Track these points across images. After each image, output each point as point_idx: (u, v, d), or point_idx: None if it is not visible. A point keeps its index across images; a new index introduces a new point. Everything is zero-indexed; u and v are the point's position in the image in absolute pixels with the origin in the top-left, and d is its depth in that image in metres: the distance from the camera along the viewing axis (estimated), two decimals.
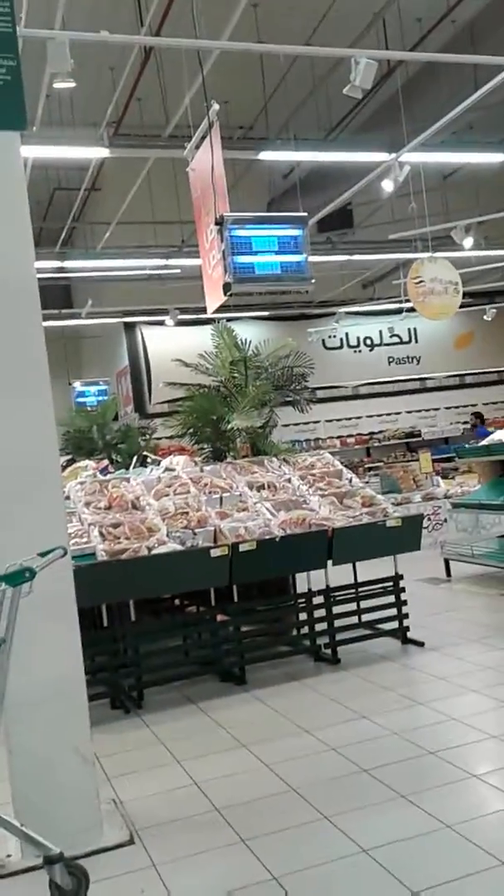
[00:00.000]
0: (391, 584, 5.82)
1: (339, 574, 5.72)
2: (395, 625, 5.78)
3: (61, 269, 13.05)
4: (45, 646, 3.22)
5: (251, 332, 9.07)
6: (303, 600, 5.74)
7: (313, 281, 5.68)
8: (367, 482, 9.21)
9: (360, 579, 5.88)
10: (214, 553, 5.07)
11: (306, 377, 7.78)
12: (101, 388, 15.72)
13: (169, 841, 3.20)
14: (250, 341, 7.69)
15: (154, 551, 5.02)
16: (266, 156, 9.45)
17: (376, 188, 9.09)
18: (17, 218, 3.33)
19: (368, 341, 17.31)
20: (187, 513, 5.50)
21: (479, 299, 15.26)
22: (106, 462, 8.42)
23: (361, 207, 14.13)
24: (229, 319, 9.06)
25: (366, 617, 5.80)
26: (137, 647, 5.13)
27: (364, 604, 5.80)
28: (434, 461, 11.90)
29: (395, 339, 17.26)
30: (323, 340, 16.25)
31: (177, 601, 6.44)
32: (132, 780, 3.88)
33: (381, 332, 17.11)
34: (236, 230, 5.37)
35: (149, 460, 7.87)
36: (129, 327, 15.75)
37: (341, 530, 5.44)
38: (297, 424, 14.49)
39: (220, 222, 5.37)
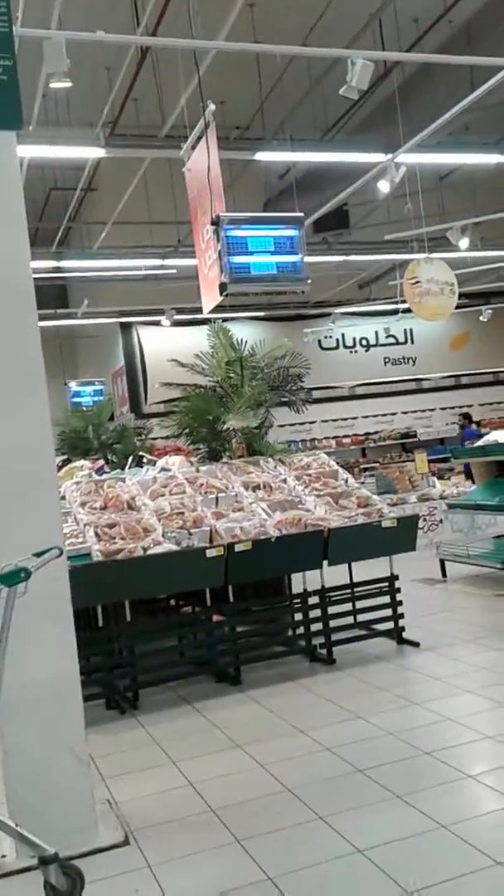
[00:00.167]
0: (387, 584, 5.82)
1: (334, 574, 5.73)
2: (390, 625, 5.79)
3: (57, 269, 13.03)
4: (41, 646, 3.21)
5: (247, 333, 9.07)
6: (298, 601, 5.75)
7: (309, 281, 5.68)
8: (362, 483, 9.21)
9: (355, 580, 5.89)
10: (210, 553, 5.07)
11: (302, 377, 7.80)
12: (97, 388, 15.71)
13: (164, 841, 3.20)
14: (246, 341, 7.70)
15: (149, 552, 5.02)
16: (262, 156, 9.44)
17: (372, 189, 9.09)
18: (13, 217, 3.32)
19: (364, 342, 17.31)
20: (183, 513, 5.50)
21: (474, 300, 15.27)
22: (101, 462, 8.40)
23: (358, 208, 14.13)
24: (225, 320, 9.08)
25: (361, 617, 5.80)
26: (133, 647, 5.13)
27: (359, 604, 5.80)
28: (430, 462, 11.93)
29: (391, 340, 17.28)
30: (319, 341, 16.25)
31: (172, 601, 6.43)
32: (127, 780, 3.88)
33: (376, 332, 17.11)
34: (232, 230, 5.37)
35: (144, 460, 7.87)
36: (125, 327, 15.74)
37: (337, 531, 5.44)
38: (292, 425, 14.48)
39: (216, 222, 5.37)
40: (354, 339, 17.20)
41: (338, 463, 6.85)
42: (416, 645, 5.67)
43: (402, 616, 5.81)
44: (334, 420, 16.86)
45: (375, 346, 17.35)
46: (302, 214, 5.99)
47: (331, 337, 16.69)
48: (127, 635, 5.12)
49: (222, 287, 5.35)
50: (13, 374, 3.30)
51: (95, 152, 8.88)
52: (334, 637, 5.59)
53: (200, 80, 6.17)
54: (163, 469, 6.55)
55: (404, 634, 5.78)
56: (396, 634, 5.78)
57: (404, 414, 17.38)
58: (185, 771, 3.89)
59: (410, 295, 9.54)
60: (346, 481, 6.31)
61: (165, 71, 9.24)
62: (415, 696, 4.72)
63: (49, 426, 3.43)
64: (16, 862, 3.08)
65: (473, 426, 15.07)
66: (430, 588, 7.70)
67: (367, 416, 17.18)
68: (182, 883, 2.91)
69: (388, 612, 5.80)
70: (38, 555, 2.92)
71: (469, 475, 11.43)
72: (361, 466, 14.45)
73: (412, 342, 17.49)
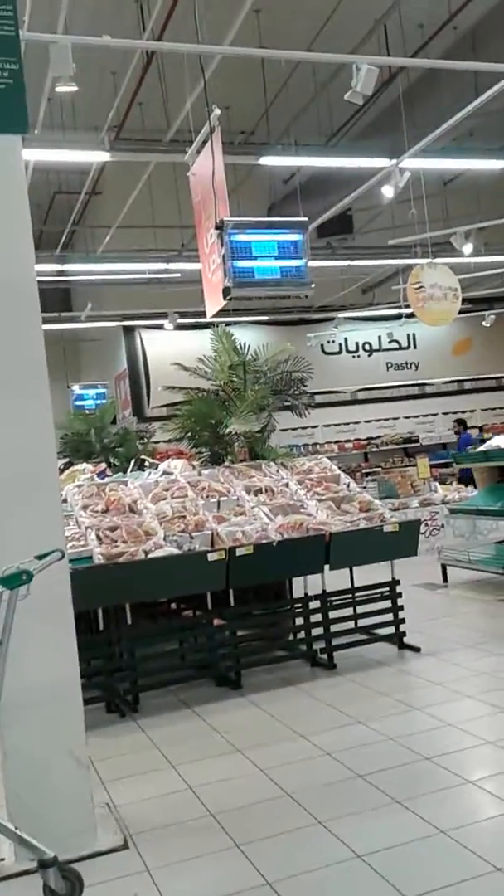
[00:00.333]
0: (388, 589, 5.82)
1: (335, 579, 5.72)
2: (391, 630, 5.79)
3: (61, 273, 13.04)
4: (42, 649, 3.21)
5: (250, 337, 9.09)
6: (299, 605, 5.74)
7: (313, 286, 5.68)
8: (364, 487, 9.21)
9: (356, 584, 5.88)
10: (211, 557, 5.07)
11: (305, 382, 7.79)
12: (100, 392, 15.73)
13: (163, 846, 3.20)
14: (249, 346, 7.70)
15: (151, 555, 5.02)
16: (267, 161, 9.47)
17: (376, 194, 9.11)
18: (17, 221, 3.33)
19: (367, 346, 17.33)
20: (184, 516, 5.50)
21: (477, 305, 15.28)
22: (103, 465, 8.41)
23: (361, 213, 14.15)
24: (228, 324, 9.06)
25: (362, 622, 5.80)
26: (133, 650, 5.12)
27: (360, 609, 5.79)
28: (431, 467, 11.93)
29: (394, 345, 17.29)
30: (322, 345, 16.27)
31: (173, 605, 6.44)
32: (127, 784, 3.88)
33: (379, 337, 17.14)
34: (236, 235, 5.38)
35: (146, 464, 7.87)
36: (129, 331, 15.76)
37: (338, 535, 5.44)
38: (295, 429, 14.51)
39: (220, 227, 5.38)
40: (357, 343, 17.22)
41: (340, 467, 6.85)
42: (417, 650, 5.66)
43: (403, 621, 5.80)
44: (337, 424, 16.87)
45: (378, 350, 17.37)
46: (306, 219, 6.00)
47: (334, 341, 16.71)
48: (128, 639, 5.11)
49: (226, 291, 5.36)
50: (16, 376, 3.31)
51: (100, 156, 8.92)
52: (335, 641, 5.58)
53: (206, 84, 6.19)
54: (165, 472, 6.56)
55: (405, 639, 5.77)
56: (397, 639, 5.77)
57: (407, 419, 17.38)
58: (185, 775, 3.89)
59: (414, 300, 9.55)
60: (348, 486, 6.31)
61: (171, 75, 9.28)
62: (415, 701, 4.71)
63: (51, 429, 3.43)
64: (14, 865, 3.08)
65: (469, 432, 15.06)
66: (431, 593, 7.69)
67: (369, 421, 17.19)
68: (181, 887, 2.91)
69: (390, 616, 5.79)
70: (41, 557, 2.93)
71: (464, 480, 11.46)
72: (363, 471, 14.46)
73: (415, 347, 17.50)
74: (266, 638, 5.86)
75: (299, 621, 5.70)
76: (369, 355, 17.37)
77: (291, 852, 3.04)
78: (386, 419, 17.27)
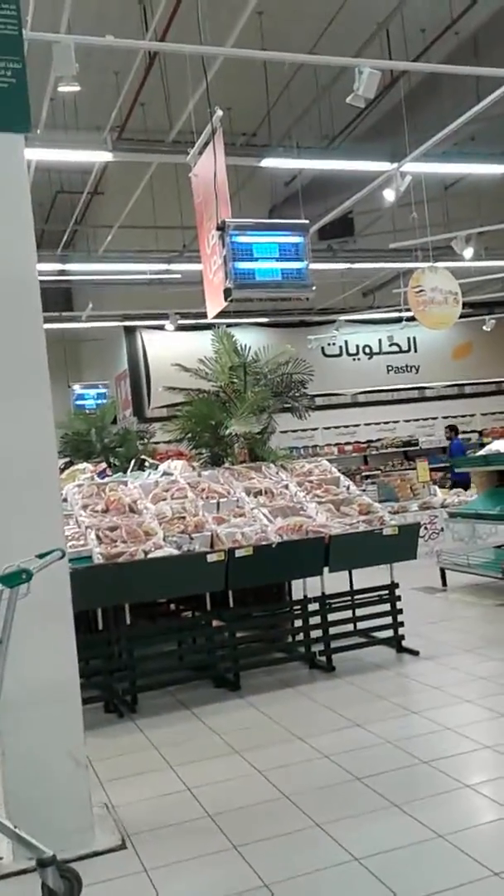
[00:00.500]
0: (387, 592, 5.82)
1: (334, 581, 5.72)
2: (390, 633, 5.79)
3: (62, 272, 13.05)
4: (41, 648, 3.21)
5: (251, 339, 9.08)
6: (298, 607, 5.73)
7: (314, 288, 5.69)
8: (364, 490, 9.21)
9: (355, 587, 5.88)
10: (211, 558, 5.07)
11: (305, 384, 7.79)
12: (101, 392, 15.72)
13: (161, 846, 3.19)
14: (250, 347, 7.70)
15: (150, 555, 5.02)
16: (268, 163, 9.47)
17: (378, 197, 9.10)
18: (19, 220, 3.33)
19: (367, 349, 17.33)
20: (184, 517, 5.50)
21: (478, 310, 15.28)
22: (104, 465, 8.41)
23: (363, 216, 14.16)
24: (229, 325, 9.07)
25: (361, 625, 5.80)
26: (132, 651, 5.12)
27: (359, 612, 5.80)
28: (431, 470, 11.92)
29: (395, 348, 17.28)
30: (322, 348, 16.28)
31: (172, 606, 6.43)
32: (125, 784, 3.87)
33: (380, 340, 17.14)
34: (238, 236, 5.38)
35: (146, 464, 7.87)
36: (130, 331, 15.76)
37: (338, 537, 5.44)
38: (295, 431, 14.48)
39: (221, 228, 5.38)
40: (358, 346, 17.22)
41: (339, 470, 6.84)
42: (416, 653, 5.66)
43: (401, 624, 5.80)
44: (336, 427, 16.86)
45: (378, 353, 17.37)
46: (307, 221, 6.01)
47: (334, 344, 16.72)
48: (126, 639, 5.11)
49: (227, 293, 5.36)
50: (18, 375, 3.31)
51: (102, 156, 8.91)
52: (334, 644, 5.58)
53: (208, 86, 6.20)
54: (165, 473, 6.56)
55: (404, 643, 5.77)
56: (396, 643, 5.77)
57: (406, 422, 17.38)
58: (183, 776, 3.89)
59: (414, 303, 9.55)
60: (348, 488, 6.31)
61: (173, 76, 9.28)
62: (414, 704, 4.71)
63: (52, 428, 3.43)
64: (12, 864, 3.08)
65: (461, 438, 15.05)
66: (430, 597, 7.69)
67: (369, 424, 17.19)
68: (178, 888, 2.91)
69: (388, 620, 5.79)
70: (41, 556, 2.92)
71: (457, 485, 11.47)
72: (363, 474, 14.45)
73: (415, 351, 17.50)
74: (265, 640, 5.86)
75: (298, 623, 5.70)
76: (370, 358, 17.37)
77: (289, 854, 3.03)
78: (386, 422, 17.27)
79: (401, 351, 17.43)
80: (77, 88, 6.32)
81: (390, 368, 17.46)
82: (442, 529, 9.40)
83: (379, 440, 16.98)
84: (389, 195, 8.47)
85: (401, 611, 5.82)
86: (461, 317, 10.16)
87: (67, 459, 10.22)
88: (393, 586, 5.81)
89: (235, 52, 6.88)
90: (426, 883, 2.72)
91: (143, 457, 8.67)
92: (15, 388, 3.30)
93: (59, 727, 3.27)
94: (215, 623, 5.43)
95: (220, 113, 5.67)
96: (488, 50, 9.27)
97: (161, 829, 3.35)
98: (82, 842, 3.16)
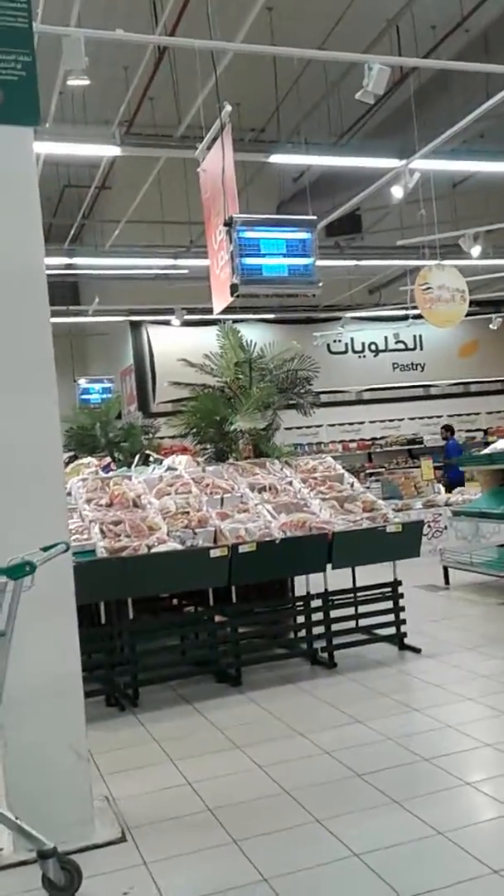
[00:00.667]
0: (389, 589, 5.82)
1: (337, 578, 5.72)
2: (392, 630, 5.79)
3: (69, 266, 13.05)
4: (44, 641, 3.22)
5: (256, 335, 9.06)
6: (301, 603, 5.75)
7: (320, 285, 5.68)
8: (368, 487, 9.19)
9: (358, 584, 5.88)
10: (214, 553, 5.08)
11: (310, 381, 7.78)
12: (106, 386, 15.74)
13: (160, 839, 3.20)
14: (255, 343, 7.69)
15: (154, 550, 5.03)
16: (277, 159, 9.45)
17: (386, 194, 9.10)
18: (27, 213, 3.34)
19: (373, 347, 17.32)
20: (188, 512, 5.51)
21: (485, 308, 15.26)
22: (108, 460, 8.40)
23: (370, 213, 14.14)
24: (235, 321, 9.07)
25: (363, 622, 5.80)
26: (134, 645, 5.13)
27: (362, 609, 5.79)
28: (435, 468, 11.91)
29: (400, 346, 17.24)
30: (328, 345, 16.26)
31: (175, 600, 6.44)
32: (126, 777, 3.89)
33: (386, 338, 17.10)
34: (245, 232, 5.38)
35: (151, 459, 7.87)
36: (135, 326, 15.78)
37: (341, 534, 5.44)
38: (299, 428, 14.52)
39: (229, 223, 5.38)
40: (363, 343, 17.21)
41: (344, 467, 6.84)
42: (418, 651, 5.66)
43: (404, 622, 5.80)
44: (341, 424, 16.87)
45: (384, 351, 17.35)
46: (315, 218, 5.99)
47: (340, 341, 16.70)
48: (129, 633, 5.12)
49: (233, 288, 5.36)
50: (24, 369, 3.31)
51: (111, 150, 8.89)
52: (336, 641, 5.58)
53: (217, 81, 6.19)
54: (169, 468, 6.56)
55: (406, 640, 5.77)
56: (398, 640, 5.78)
57: (411, 420, 17.38)
58: (184, 770, 3.90)
59: (421, 301, 9.54)
60: (352, 485, 6.30)
61: (182, 71, 9.28)
62: (415, 702, 4.71)
63: (57, 422, 3.44)
64: (13, 855, 3.09)
65: (456, 439, 15.03)
66: (432, 595, 7.69)
67: (374, 422, 17.19)
68: (177, 881, 2.92)
69: (391, 617, 5.79)
70: (46, 549, 2.93)
71: (452, 485, 11.45)
72: (367, 471, 14.47)
73: (421, 348, 17.48)
74: (267, 635, 5.86)
75: (300, 620, 5.70)
76: (375, 356, 17.36)
77: (288, 849, 3.04)
78: (391, 420, 17.27)
79: (407, 349, 17.41)
80: (86, 82, 6.30)
81: (396, 366, 17.45)
82: (445, 528, 9.38)
83: (383, 438, 16.97)
84: (398, 192, 8.46)
85: (403, 608, 5.82)
86: (468, 315, 10.15)
87: (72, 453, 10.22)
88: (396, 584, 5.82)
89: (245, 48, 6.86)
90: (426, 880, 2.73)
91: (147, 452, 8.67)
92: (21, 382, 3.30)
93: (61, 720, 3.28)
94: (218, 618, 5.44)
95: (228, 108, 5.66)
96: (499, 47, 9.25)
97: (161, 822, 3.36)
98: (83, 834, 3.17)
